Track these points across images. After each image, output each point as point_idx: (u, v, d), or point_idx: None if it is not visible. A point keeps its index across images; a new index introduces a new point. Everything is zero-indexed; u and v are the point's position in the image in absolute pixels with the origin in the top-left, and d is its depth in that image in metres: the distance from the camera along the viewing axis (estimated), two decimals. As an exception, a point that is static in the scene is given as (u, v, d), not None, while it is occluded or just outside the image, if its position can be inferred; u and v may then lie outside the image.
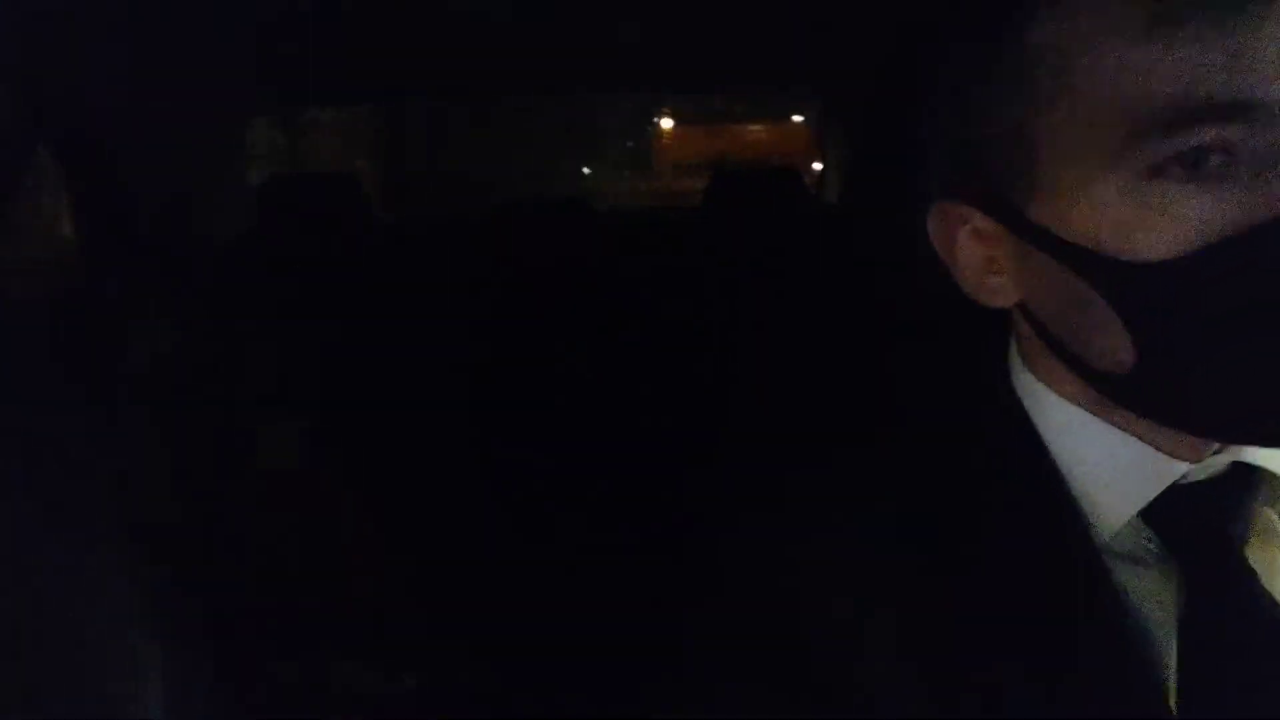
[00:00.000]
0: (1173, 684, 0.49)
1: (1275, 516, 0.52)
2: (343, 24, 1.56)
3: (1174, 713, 0.48)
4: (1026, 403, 0.54)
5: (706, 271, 1.92)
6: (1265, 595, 0.50)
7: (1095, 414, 0.51)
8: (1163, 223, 0.43)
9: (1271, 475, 0.51)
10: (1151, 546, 0.51)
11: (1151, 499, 0.50)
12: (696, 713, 0.56)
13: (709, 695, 0.55)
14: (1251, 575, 0.50)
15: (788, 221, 1.94)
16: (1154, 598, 0.50)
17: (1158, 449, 0.50)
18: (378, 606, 1.49)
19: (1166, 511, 0.50)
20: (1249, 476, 0.51)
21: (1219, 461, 0.51)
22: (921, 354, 0.60)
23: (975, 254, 0.52)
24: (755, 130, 6.53)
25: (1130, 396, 0.48)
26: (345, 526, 1.56)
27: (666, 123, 6.68)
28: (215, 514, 1.46)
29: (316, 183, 1.93)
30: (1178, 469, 0.50)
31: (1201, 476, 0.51)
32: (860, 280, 1.62)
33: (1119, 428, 0.51)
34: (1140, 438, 0.51)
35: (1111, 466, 0.51)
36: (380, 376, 1.72)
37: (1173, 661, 0.49)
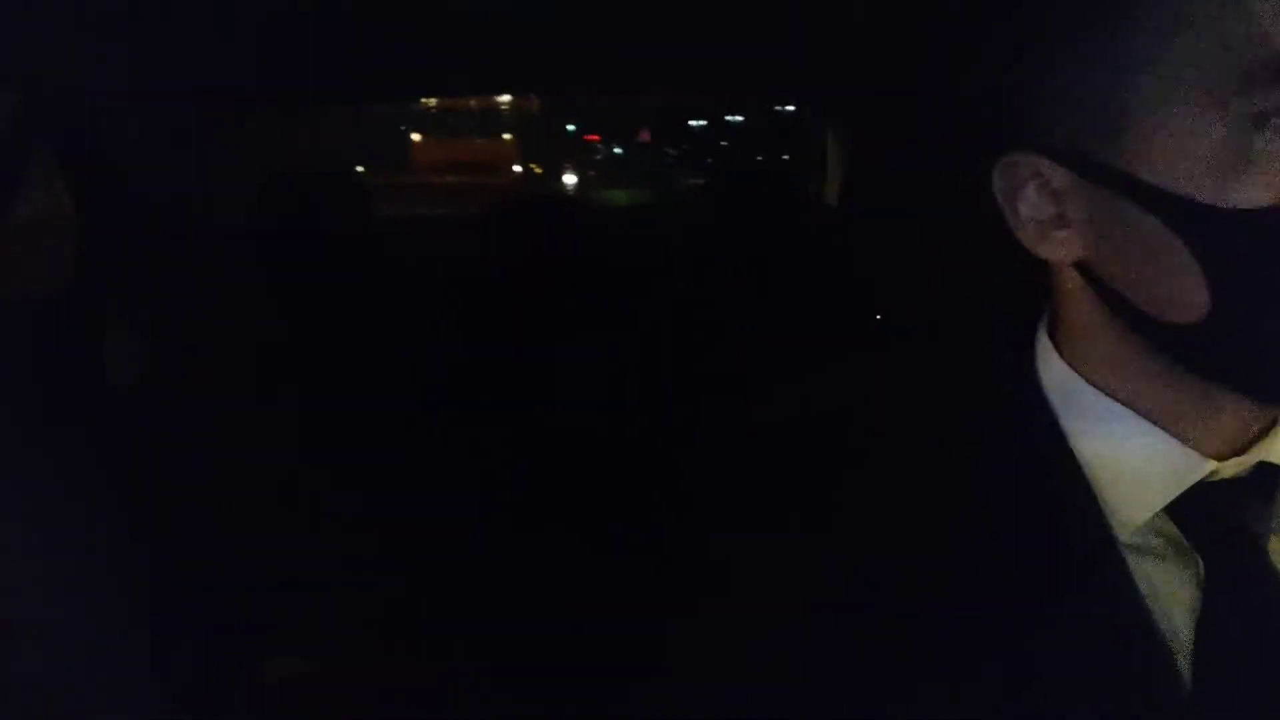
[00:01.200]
0: (1190, 678, 0.49)
1: None
2: (341, 24, 1.56)
3: (1191, 707, 0.48)
4: (1053, 394, 0.54)
5: (707, 271, 1.92)
6: None
7: (1128, 405, 0.51)
8: (1257, 174, 0.44)
9: None
10: (1174, 542, 0.51)
11: (1177, 495, 0.50)
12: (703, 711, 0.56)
13: (723, 693, 0.55)
14: (1273, 573, 0.50)
15: (786, 220, 1.94)
16: (1174, 593, 0.50)
17: (1186, 444, 0.50)
18: (370, 604, 1.49)
19: (1191, 507, 0.50)
20: (1274, 476, 0.51)
21: (1245, 461, 0.51)
22: (944, 347, 0.60)
23: (1043, 208, 0.51)
24: (479, 143, 9.81)
25: (1194, 351, 0.48)
26: (339, 524, 1.56)
27: (416, 135, 9.84)
28: (210, 510, 1.46)
29: (318, 182, 1.93)
30: (1205, 466, 0.50)
31: (1227, 474, 0.51)
32: (878, 274, 1.62)
33: (1151, 421, 0.51)
34: (1170, 432, 0.51)
35: (1139, 460, 0.51)
36: (379, 374, 1.72)
37: (1191, 656, 0.49)
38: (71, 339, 1.41)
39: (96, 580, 1.18)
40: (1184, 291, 0.46)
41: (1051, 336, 0.55)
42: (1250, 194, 0.44)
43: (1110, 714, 0.48)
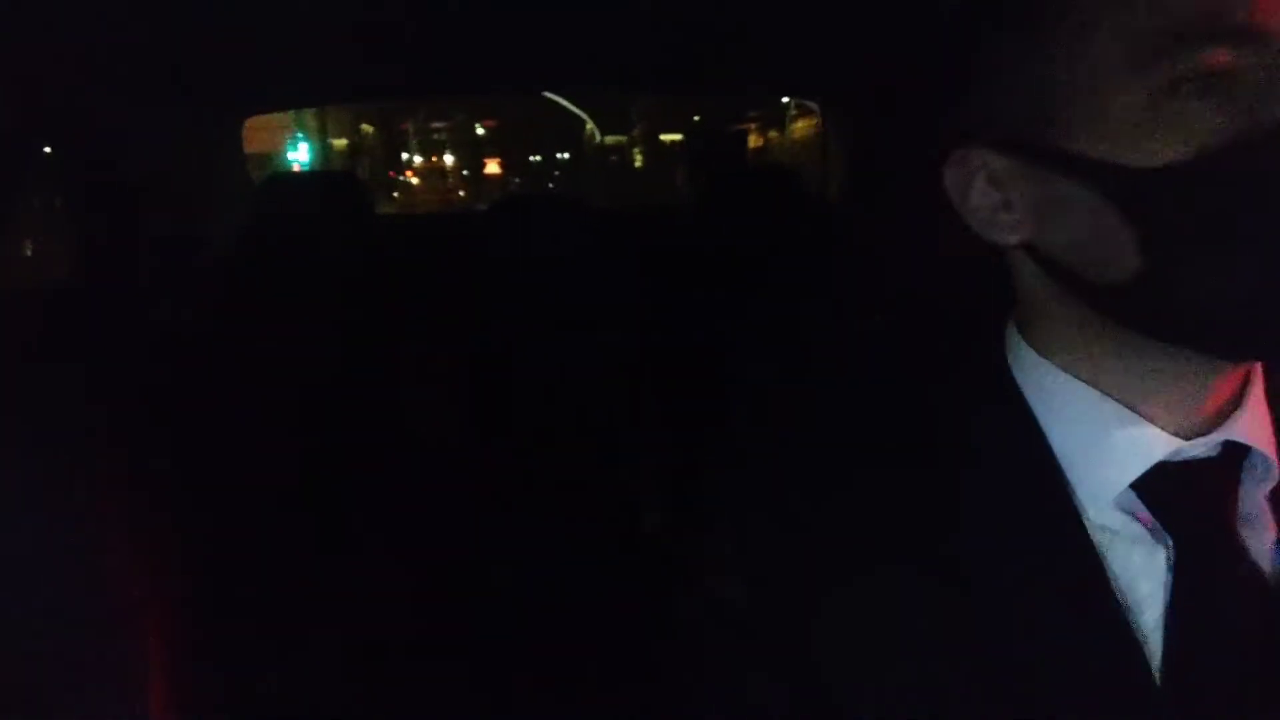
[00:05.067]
0: (1159, 658, 0.50)
1: (1264, 497, 0.53)
2: (340, 24, 1.57)
3: (1159, 685, 0.49)
4: (1023, 380, 0.56)
5: (704, 269, 1.92)
6: (1252, 573, 0.51)
7: (1091, 384, 0.53)
8: (1175, 135, 0.47)
9: (1262, 456, 0.52)
10: (1143, 523, 0.52)
11: (1143, 471, 0.51)
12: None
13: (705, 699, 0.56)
14: (1240, 553, 0.51)
15: (784, 219, 1.94)
16: (1144, 574, 0.51)
17: (1151, 422, 0.51)
18: (365, 607, 1.49)
19: (1160, 489, 0.51)
20: (1241, 457, 0.52)
21: (1211, 440, 0.52)
22: (920, 338, 0.62)
23: (989, 196, 0.55)
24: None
25: (1133, 307, 0.50)
26: (342, 519, 1.56)
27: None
28: (213, 512, 1.46)
29: (317, 181, 1.94)
30: (1170, 443, 0.51)
31: (1194, 454, 0.52)
32: (857, 270, 1.63)
33: (1113, 399, 0.52)
34: (1134, 409, 0.52)
35: (1105, 437, 0.52)
36: (378, 372, 1.72)
37: (1159, 636, 0.50)
38: (72, 336, 1.41)
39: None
40: (1117, 251, 0.49)
41: (1019, 325, 0.58)
42: (1166, 153, 0.47)
43: (1081, 697, 0.48)
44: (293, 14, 1.44)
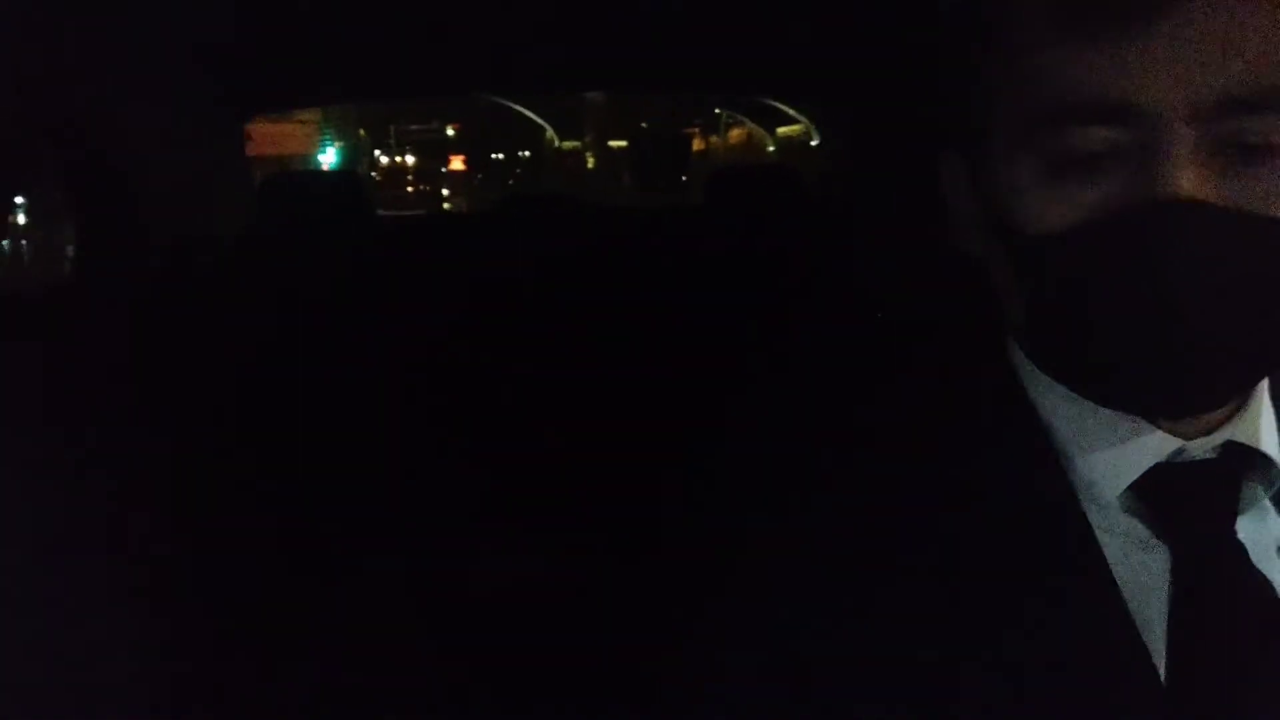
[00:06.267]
0: (1162, 658, 0.50)
1: (1266, 496, 0.53)
2: (340, 24, 1.57)
3: (1163, 686, 0.49)
4: (1026, 380, 0.56)
5: (704, 269, 1.92)
6: (1254, 573, 0.51)
7: None
8: (1061, 207, 0.49)
9: (1263, 456, 0.52)
10: (1145, 523, 0.52)
11: (1144, 471, 0.51)
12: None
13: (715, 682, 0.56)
14: (1242, 553, 0.51)
15: (784, 219, 1.94)
16: (1146, 574, 0.51)
17: (1151, 422, 0.52)
18: (365, 608, 1.49)
19: (1160, 488, 0.52)
20: (1242, 457, 0.52)
21: (1213, 440, 0.52)
22: (920, 337, 0.62)
23: (968, 203, 0.57)
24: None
25: (1029, 345, 0.55)
26: (342, 519, 1.56)
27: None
28: (213, 512, 1.46)
29: (316, 180, 1.94)
30: (1171, 443, 0.51)
31: (1196, 455, 0.52)
32: (858, 270, 1.63)
33: None
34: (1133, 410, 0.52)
35: (1105, 438, 0.52)
36: (379, 372, 1.72)
37: (1163, 636, 0.50)
38: (73, 336, 1.41)
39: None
40: (1014, 297, 0.53)
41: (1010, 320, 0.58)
42: (1051, 223, 0.49)
43: (1084, 698, 0.48)
44: (293, 15, 1.44)
